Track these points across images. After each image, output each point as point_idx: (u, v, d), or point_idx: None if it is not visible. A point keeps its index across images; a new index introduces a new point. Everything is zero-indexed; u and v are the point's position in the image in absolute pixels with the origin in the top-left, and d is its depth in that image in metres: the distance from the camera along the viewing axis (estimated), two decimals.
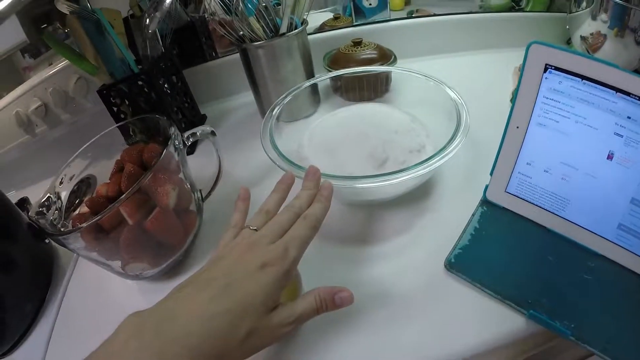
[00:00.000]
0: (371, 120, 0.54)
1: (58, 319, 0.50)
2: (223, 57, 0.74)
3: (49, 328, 0.49)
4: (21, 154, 0.72)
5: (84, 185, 0.53)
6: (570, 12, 0.62)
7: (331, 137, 0.52)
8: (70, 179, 0.50)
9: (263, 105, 0.64)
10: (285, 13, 0.56)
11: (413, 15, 0.78)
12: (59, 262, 0.57)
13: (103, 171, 0.50)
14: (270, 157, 0.44)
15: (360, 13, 0.77)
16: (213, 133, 0.48)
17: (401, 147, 0.48)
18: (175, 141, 0.45)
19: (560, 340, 0.32)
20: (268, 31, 0.57)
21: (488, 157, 0.39)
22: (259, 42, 0.57)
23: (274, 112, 0.51)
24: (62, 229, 0.45)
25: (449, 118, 0.45)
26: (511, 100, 0.50)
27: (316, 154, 0.48)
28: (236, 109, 0.65)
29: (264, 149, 0.45)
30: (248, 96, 0.68)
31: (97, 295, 0.50)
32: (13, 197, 0.58)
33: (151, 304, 0.46)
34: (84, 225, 0.40)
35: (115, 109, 0.59)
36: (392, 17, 0.76)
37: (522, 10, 0.73)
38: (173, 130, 0.45)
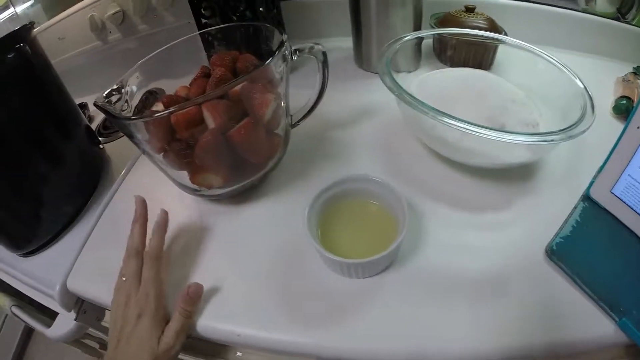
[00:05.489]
0: (487, 84, 0.48)
1: (97, 226, 0.44)
2: None
3: (84, 235, 0.44)
4: (88, 60, 0.68)
5: (152, 97, 0.48)
6: None
7: (446, 89, 0.45)
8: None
9: (362, 50, 0.57)
10: None
11: None
12: (109, 170, 0.52)
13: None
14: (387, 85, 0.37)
15: None
16: (324, 54, 0.42)
17: (517, 118, 0.43)
18: (285, 50, 0.39)
19: None
20: None
21: (589, 160, 0.38)
22: None
23: (385, 55, 0.45)
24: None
25: (561, 108, 0.42)
26: (613, 109, 0.48)
27: (428, 101, 0.42)
28: (328, 51, 0.59)
29: (380, 77, 0.39)
30: (343, 42, 0.62)
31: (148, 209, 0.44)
32: None
33: (209, 225, 0.42)
34: (159, 114, 0.34)
35: (203, 21, 0.54)
36: None
37: (628, 23, 0.65)
38: (285, 37, 0.39)
